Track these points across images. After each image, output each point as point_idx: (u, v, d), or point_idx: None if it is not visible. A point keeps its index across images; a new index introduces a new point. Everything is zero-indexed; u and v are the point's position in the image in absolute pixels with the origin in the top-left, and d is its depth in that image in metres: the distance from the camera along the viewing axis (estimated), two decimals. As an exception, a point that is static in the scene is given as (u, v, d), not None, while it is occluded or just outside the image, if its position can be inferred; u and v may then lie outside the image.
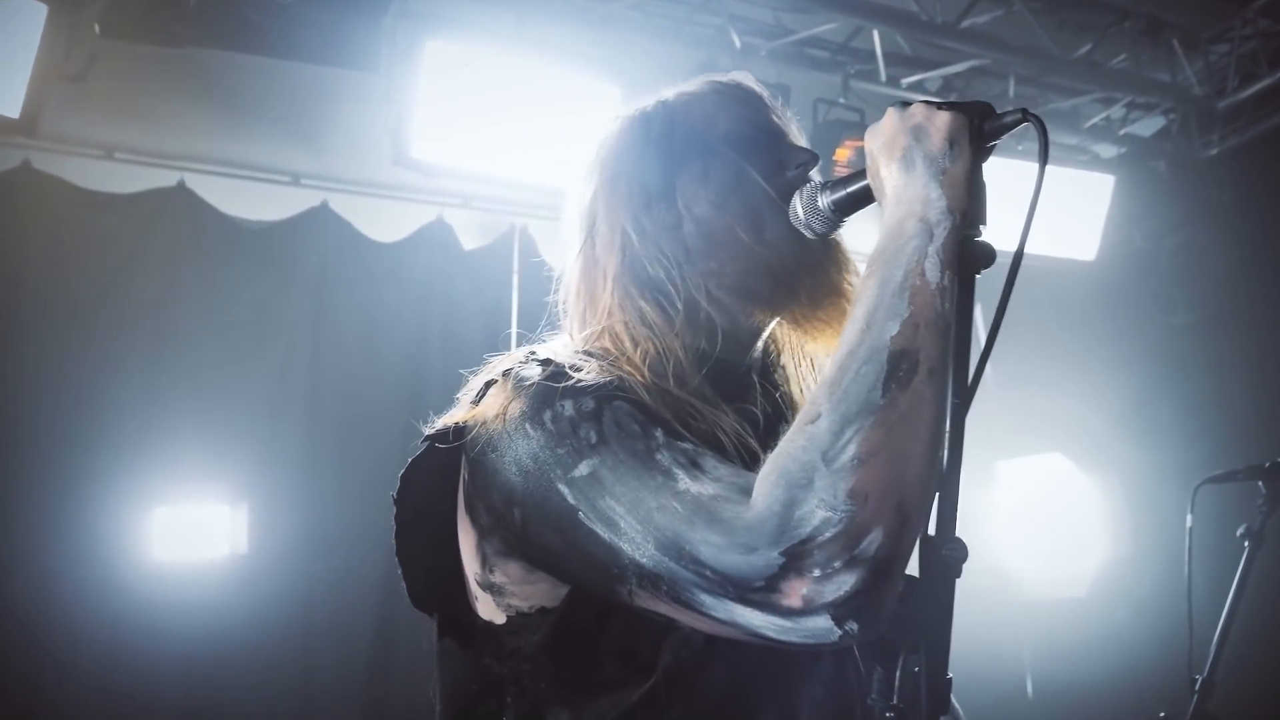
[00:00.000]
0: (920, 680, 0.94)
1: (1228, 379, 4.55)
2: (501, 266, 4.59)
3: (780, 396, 1.24)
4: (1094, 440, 5.02)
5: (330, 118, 4.03)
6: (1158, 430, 4.73)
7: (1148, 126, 4.84)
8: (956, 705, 1.15)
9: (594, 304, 1.19)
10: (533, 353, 1.11)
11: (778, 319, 1.23)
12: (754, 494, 0.90)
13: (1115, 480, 4.97)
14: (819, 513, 0.86)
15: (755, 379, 1.21)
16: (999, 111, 1.04)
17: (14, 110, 2.90)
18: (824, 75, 3.99)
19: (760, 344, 1.24)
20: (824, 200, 1.14)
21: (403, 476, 1.16)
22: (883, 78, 4.00)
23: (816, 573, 0.85)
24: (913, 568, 0.96)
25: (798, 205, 1.15)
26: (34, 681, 3.47)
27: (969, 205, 1.01)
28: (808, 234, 1.16)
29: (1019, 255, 1.00)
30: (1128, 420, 4.86)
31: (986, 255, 1.02)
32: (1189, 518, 2.35)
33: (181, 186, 4.05)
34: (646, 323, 1.15)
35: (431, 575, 1.16)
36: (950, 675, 0.96)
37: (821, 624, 0.86)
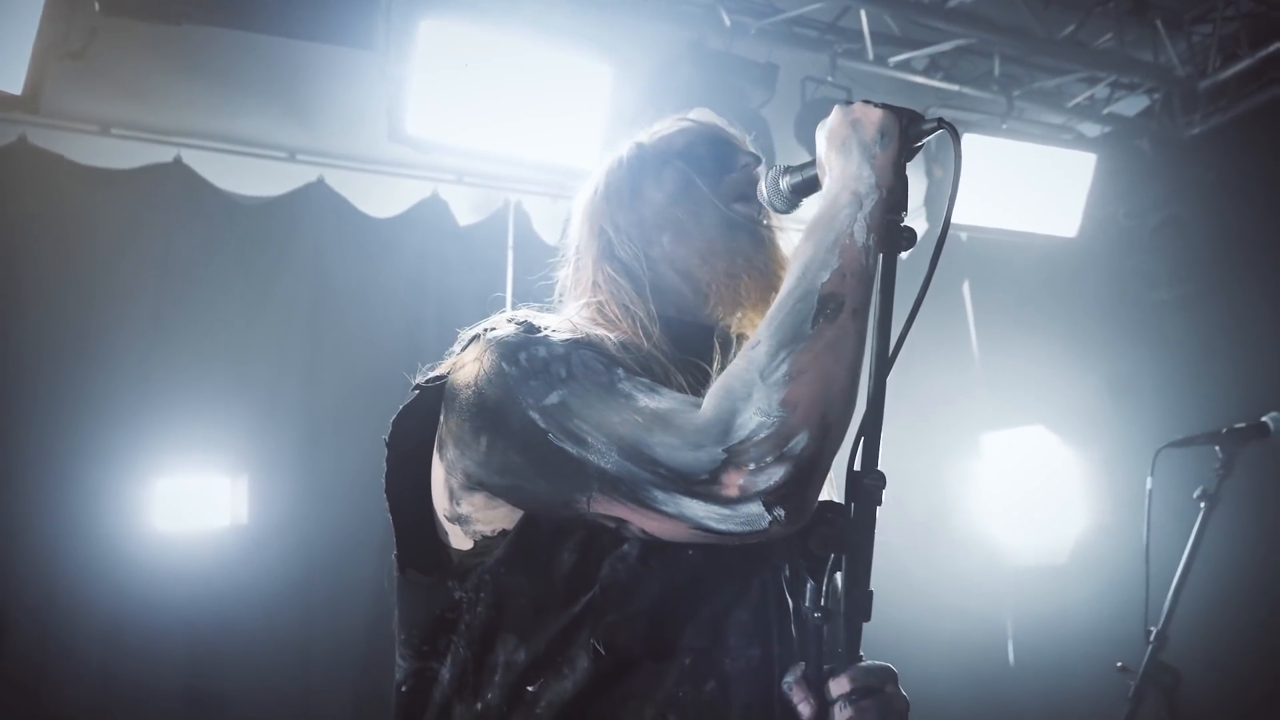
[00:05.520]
0: (845, 588, 1.10)
1: (1207, 353, 4.63)
2: (496, 242, 4.63)
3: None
4: (1076, 413, 5.11)
5: (326, 94, 4.06)
6: (1138, 403, 4.81)
7: (1131, 106, 4.89)
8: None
9: (582, 287, 1.42)
10: (512, 316, 1.29)
11: (729, 309, 1.40)
12: (703, 405, 1.07)
13: (1096, 452, 5.07)
14: (755, 418, 1.02)
15: (716, 343, 1.38)
16: (925, 119, 1.23)
17: (16, 86, 2.94)
18: (812, 54, 4.04)
19: (731, 319, 1.42)
20: (784, 182, 1.34)
21: (394, 421, 1.32)
22: (870, 56, 4.05)
23: (751, 466, 1.01)
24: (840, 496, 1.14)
25: (763, 186, 1.37)
26: (38, 649, 3.53)
27: (894, 185, 1.18)
28: (770, 210, 1.39)
29: (943, 235, 1.18)
30: (1109, 393, 4.94)
31: (908, 238, 1.18)
32: (1149, 480, 2.48)
33: (178, 162, 4.06)
34: (621, 294, 1.36)
35: (416, 515, 1.29)
36: (871, 589, 1.12)
37: (754, 510, 1.02)
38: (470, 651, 1.19)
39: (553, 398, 1.11)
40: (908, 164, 1.21)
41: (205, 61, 3.78)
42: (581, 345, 1.19)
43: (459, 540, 1.24)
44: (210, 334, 4.01)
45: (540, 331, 1.22)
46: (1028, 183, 4.53)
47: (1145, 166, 4.92)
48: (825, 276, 1.10)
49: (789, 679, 1.15)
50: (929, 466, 4.88)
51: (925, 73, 4.28)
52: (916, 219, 3.86)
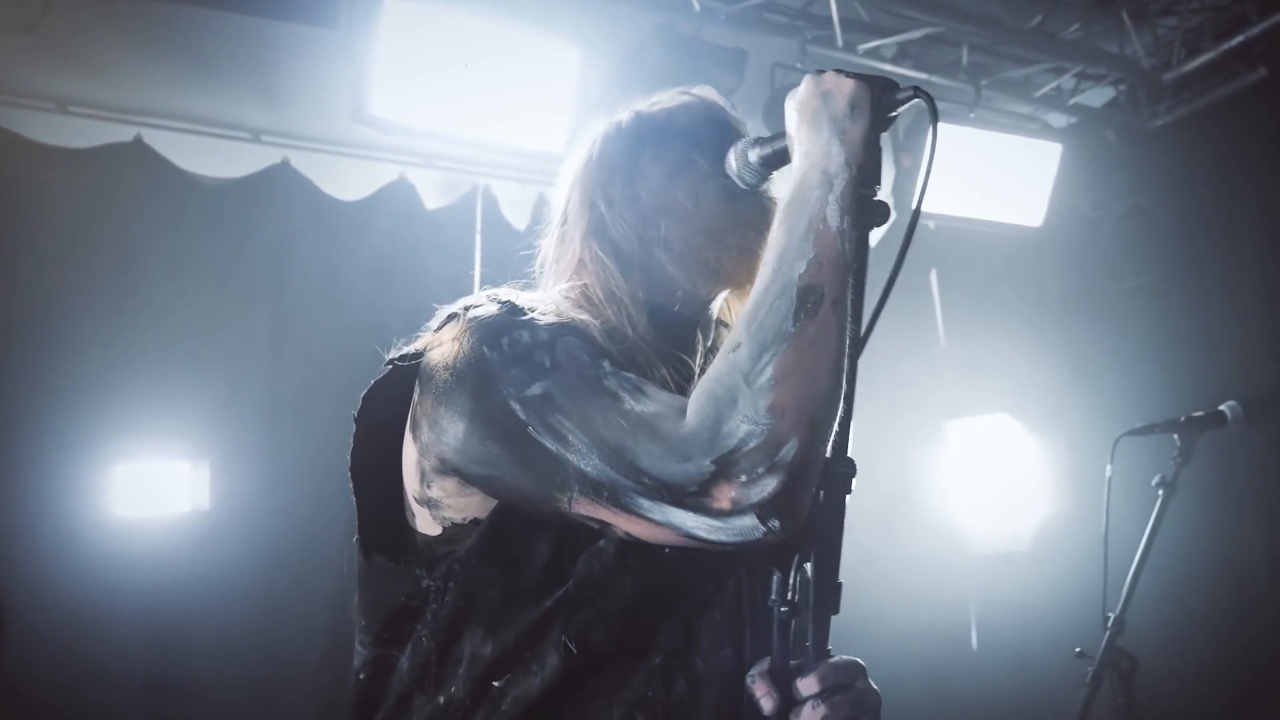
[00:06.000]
0: (813, 581, 1.06)
1: (1169, 342, 4.69)
2: (464, 226, 4.62)
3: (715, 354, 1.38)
4: (1040, 401, 5.17)
5: (292, 74, 4.01)
6: (1101, 392, 4.88)
7: (1098, 96, 4.94)
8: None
9: (566, 263, 1.34)
10: (494, 295, 1.21)
11: (726, 288, 1.36)
12: (687, 412, 1.02)
13: (1060, 439, 5.13)
14: (743, 426, 0.98)
15: (699, 335, 1.35)
16: (900, 88, 1.18)
17: (-32, 62, 2.87)
18: (782, 40, 4.02)
19: (713, 308, 1.38)
20: (753, 154, 1.28)
21: (365, 397, 1.28)
22: (839, 43, 4.04)
23: (743, 478, 0.97)
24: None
25: (731, 159, 1.30)
26: (-4, 636, 3.51)
27: (865, 160, 1.13)
28: (739, 184, 1.31)
29: (916, 212, 1.14)
30: (1073, 382, 5.00)
31: (881, 213, 1.13)
32: (1108, 468, 2.51)
33: (138, 142, 4.01)
34: (608, 277, 1.29)
35: (381, 496, 1.25)
36: (841, 581, 1.07)
37: (748, 523, 0.98)
38: (434, 642, 1.16)
39: (535, 388, 1.06)
40: (883, 134, 1.17)
41: (166, 38, 3.72)
42: (567, 332, 1.13)
43: (426, 525, 1.20)
44: (172, 318, 3.98)
45: (525, 314, 1.15)
46: (994, 172, 4.56)
47: (1110, 157, 4.97)
48: (802, 267, 1.05)
49: (753, 673, 1.12)
50: (894, 453, 4.92)
51: (894, 60, 4.29)
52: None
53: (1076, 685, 2.59)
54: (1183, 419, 2.65)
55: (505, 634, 1.13)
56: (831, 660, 1.12)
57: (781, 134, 1.24)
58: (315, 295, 4.27)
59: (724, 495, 0.97)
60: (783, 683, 1.10)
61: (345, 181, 4.42)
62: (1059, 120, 5.04)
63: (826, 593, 1.07)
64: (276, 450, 4.04)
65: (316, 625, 3.97)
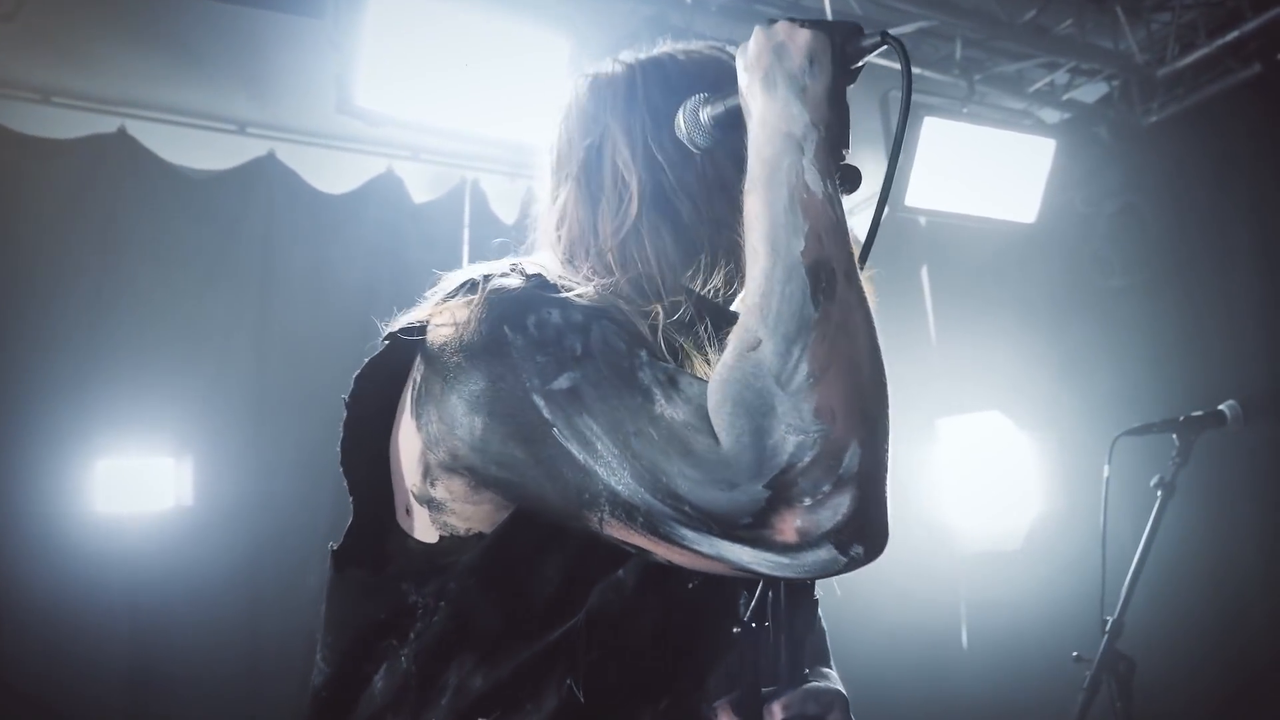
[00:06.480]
0: (785, 599, 0.99)
1: (1162, 339, 4.68)
2: (452, 220, 4.62)
3: None
4: (1032, 399, 5.16)
5: (278, 65, 3.97)
6: (1093, 389, 4.86)
7: (1091, 92, 4.91)
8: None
9: (605, 230, 1.14)
10: (517, 264, 1.06)
11: None
12: (715, 427, 0.86)
13: (1051, 437, 5.12)
14: (790, 437, 0.82)
15: None
16: (865, 33, 1.03)
17: (-55, 51, 2.83)
18: (774, 33, 3.99)
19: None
20: (705, 113, 1.12)
21: (357, 378, 1.11)
22: (832, 37, 4.01)
23: (807, 501, 0.82)
24: None
25: (681, 119, 1.13)
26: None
27: (832, 120, 0.98)
28: (690, 147, 1.13)
29: (888, 181, 1.02)
30: (1065, 380, 4.99)
31: (852, 179, 1.00)
32: (1106, 468, 2.47)
33: (122, 133, 3.99)
34: (663, 256, 1.12)
35: (372, 491, 1.11)
36: (818, 596, 1.00)
37: (824, 556, 0.83)
38: (416, 666, 1.02)
39: (562, 381, 0.90)
40: (849, 87, 1.02)
41: (151, 28, 3.68)
42: (604, 315, 0.97)
43: (423, 529, 1.05)
44: (155, 311, 3.96)
45: (556, 290, 0.99)
46: (987, 167, 4.53)
47: (1103, 153, 4.95)
48: (800, 244, 0.89)
49: (716, 704, 1.03)
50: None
51: (886, 54, 4.24)
52: (866, 207, 3.82)
53: (1069, 685, 2.57)
54: (1181, 418, 2.59)
55: (500, 667, 0.99)
56: (806, 686, 1.04)
57: (735, 90, 1.08)
58: (301, 289, 4.24)
59: (787, 526, 0.82)
60: (750, 712, 1.01)
61: (332, 174, 4.39)
62: (1052, 116, 5.02)
63: (800, 611, 0.99)
64: (260, 445, 4.01)
65: (300, 621, 3.89)
